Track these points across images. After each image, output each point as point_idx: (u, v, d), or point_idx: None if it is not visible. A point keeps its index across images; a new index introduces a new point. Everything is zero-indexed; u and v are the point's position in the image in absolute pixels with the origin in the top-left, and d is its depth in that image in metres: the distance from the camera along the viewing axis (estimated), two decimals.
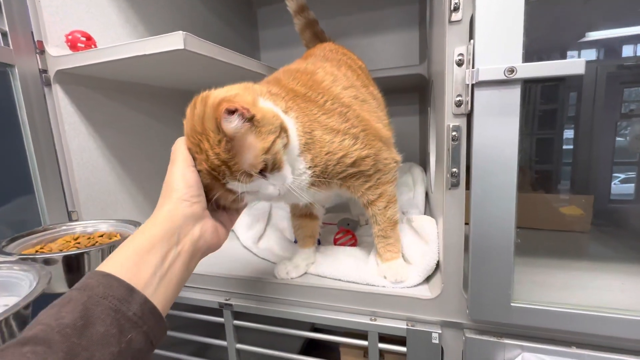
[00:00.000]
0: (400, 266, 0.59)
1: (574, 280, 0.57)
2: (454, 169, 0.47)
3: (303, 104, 0.50)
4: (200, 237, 0.39)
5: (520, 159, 0.43)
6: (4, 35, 0.66)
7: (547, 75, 0.39)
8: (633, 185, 0.85)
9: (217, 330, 0.66)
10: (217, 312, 0.65)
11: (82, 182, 0.77)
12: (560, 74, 0.38)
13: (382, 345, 0.56)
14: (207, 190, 0.42)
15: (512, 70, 0.40)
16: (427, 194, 0.97)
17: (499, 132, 0.43)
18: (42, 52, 0.70)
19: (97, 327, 0.28)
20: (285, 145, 0.44)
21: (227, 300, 0.64)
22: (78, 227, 0.63)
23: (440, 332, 0.52)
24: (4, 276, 0.42)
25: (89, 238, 0.58)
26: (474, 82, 0.42)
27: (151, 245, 0.34)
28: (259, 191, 0.44)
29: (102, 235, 0.60)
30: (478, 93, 0.43)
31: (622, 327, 0.44)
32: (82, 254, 0.50)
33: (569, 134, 0.90)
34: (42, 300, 0.58)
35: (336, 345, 0.67)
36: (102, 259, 0.53)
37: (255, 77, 0.92)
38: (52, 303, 0.28)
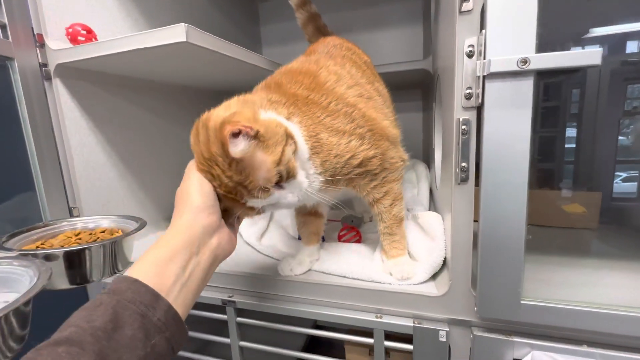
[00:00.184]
0: (407, 263, 0.58)
1: (583, 278, 0.56)
2: (464, 164, 0.46)
3: (306, 108, 0.49)
4: (218, 246, 0.40)
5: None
6: (3, 27, 0.65)
7: (561, 66, 0.38)
8: (636, 184, 0.84)
9: (220, 328, 0.65)
10: (219, 309, 0.64)
11: (83, 178, 0.77)
12: (575, 65, 0.37)
13: (387, 343, 0.55)
14: (227, 211, 0.44)
15: (525, 61, 0.38)
16: (430, 191, 0.96)
17: (510, 125, 0.42)
18: (42, 45, 0.69)
19: (126, 331, 0.29)
20: (295, 152, 0.44)
21: (230, 297, 0.63)
22: (79, 223, 0.62)
23: (447, 330, 0.51)
24: (4, 272, 0.41)
25: (90, 234, 0.57)
26: (485, 74, 0.41)
27: (173, 254, 0.35)
28: (279, 201, 0.43)
29: (103, 231, 0.59)
30: (489, 85, 0.41)
31: (635, 325, 0.43)
32: (83, 249, 0.49)
33: (573, 131, 0.89)
34: (42, 297, 0.58)
35: (339, 341, 0.66)
36: (104, 255, 0.52)
37: (258, 72, 0.91)
38: (82, 306, 0.30)
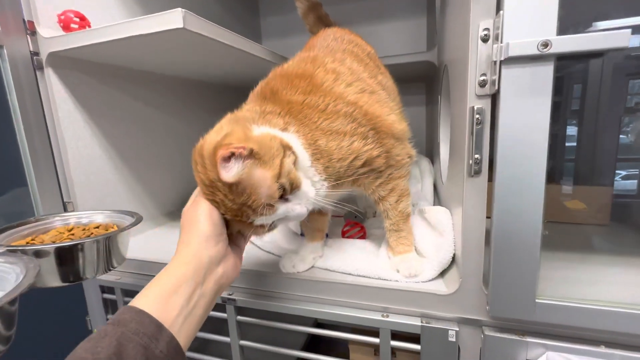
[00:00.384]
0: (414, 259, 0.56)
1: (597, 275, 0.54)
2: (477, 155, 0.43)
3: (301, 115, 0.47)
4: (223, 275, 0.41)
5: None
6: None
7: (586, 49, 0.35)
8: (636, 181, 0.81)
9: (220, 326, 0.63)
10: (219, 307, 0.62)
11: (78, 172, 0.74)
12: (601, 48, 0.34)
13: (394, 343, 0.53)
14: (233, 232, 0.44)
15: (546, 44, 0.36)
16: (435, 186, 0.94)
17: (528, 114, 0.39)
18: (33, 33, 0.66)
19: None
20: (295, 162, 0.42)
21: (230, 295, 0.61)
22: (72, 218, 0.59)
23: (457, 329, 0.49)
24: None
25: (83, 229, 0.55)
26: (502, 59, 0.38)
27: (178, 285, 0.36)
28: (287, 215, 0.42)
29: (98, 227, 0.56)
30: (506, 71, 0.39)
31: None
32: (75, 245, 0.47)
33: (585, 126, 0.86)
34: (31, 295, 0.55)
35: (342, 339, 0.64)
36: (98, 251, 0.50)
37: (258, 64, 0.88)
38: (89, 337, 0.31)
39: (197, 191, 0.44)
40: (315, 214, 0.62)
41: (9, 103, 0.66)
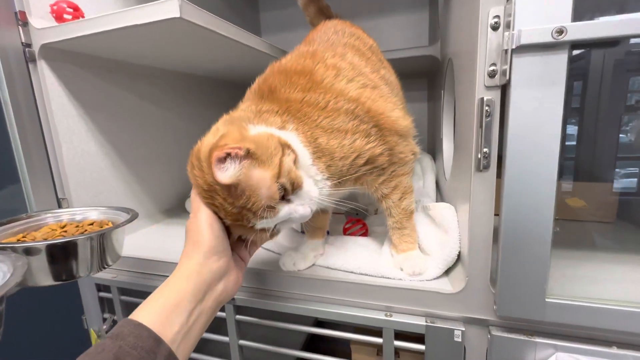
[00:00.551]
0: (418, 257, 0.54)
1: (606, 273, 0.52)
2: (486, 149, 0.41)
3: (300, 113, 0.46)
4: (223, 291, 0.40)
5: None
6: None
7: (604, 36, 0.33)
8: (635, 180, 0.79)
9: (219, 325, 0.62)
10: None
11: (73, 168, 0.72)
12: (620, 35, 0.33)
13: (397, 343, 0.52)
14: (236, 239, 0.44)
15: (561, 31, 0.34)
16: (437, 183, 0.92)
17: (540, 106, 0.38)
18: (25, 24, 0.64)
19: None
20: (295, 160, 0.41)
21: None
22: (65, 215, 0.58)
23: (463, 329, 0.47)
24: None
25: (77, 226, 0.53)
26: (513, 47, 0.36)
27: (179, 300, 0.36)
28: (291, 216, 0.40)
29: (92, 224, 0.55)
30: (517, 60, 0.37)
31: None
32: (68, 242, 0.45)
33: (586, 122, 0.85)
34: (22, 294, 0.54)
35: (342, 338, 0.63)
36: (91, 249, 0.48)
37: (258, 58, 0.86)
38: (86, 351, 0.31)
39: (193, 194, 0.42)
40: (317, 212, 0.60)
41: (0, 96, 0.63)
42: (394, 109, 0.53)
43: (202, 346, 0.70)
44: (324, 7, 0.84)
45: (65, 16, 0.65)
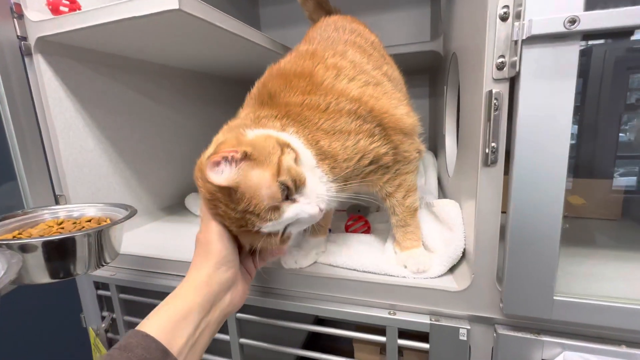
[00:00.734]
0: (422, 254, 0.53)
1: (614, 271, 0.52)
2: (494, 144, 0.40)
3: (300, 117, 0.45)
4: (230, 303, 0.41)
5: None
6: None
7: (619, 25, 0.32)
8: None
9: None
10: None
11: (70, 164, 0.71)
12: (635, 25, 0.32)
13: (401, 342, 0.51)
14: (243, 247, 0.43)
15: (573, 21, 0.33)
16: (438, 180, 0.91)
17: (550, 99, 0.36)
18: (21, 16, 0.63)
19: None
20: (296, 159, 0.40)
21: None
22: (62, 211, 0.56)
23: (469, 327, 0.47)
24: None
25: (74, 223, 0.52)
26: (523, 38, 0.35)
27: (187, 312, 0.36)
28: (299, 217, 0.39)
29: (89, 220, 0.53)
30: (527, 52, 0.36)
31: None
32: (65, 239, 0.44)
33: (586, 118, 0.83)
34: (20, 292, 0.53)
35: (344, 336, 0.62)
36: (89, 246, 0.47)
37: (258, 53, 0.85)
38: None
39: (201, 207, 0.42)
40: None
41: None
42: (398, 105, 0.52)
43: None
44: (322, 2, 0.82)
45: (62, 8, 0.63)
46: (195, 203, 0.96)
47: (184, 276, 0.63)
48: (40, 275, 0.44)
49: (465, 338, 0.47)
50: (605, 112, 0.80)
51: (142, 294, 0.67)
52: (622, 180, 0.76)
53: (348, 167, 0.45)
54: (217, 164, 0.36)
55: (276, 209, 0.37)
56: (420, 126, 0.55)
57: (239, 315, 0.60)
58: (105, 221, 0.54)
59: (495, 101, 0.39)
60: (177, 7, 0.51)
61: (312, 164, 0.43)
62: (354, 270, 0.55)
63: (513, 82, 0.39)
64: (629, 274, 0.50)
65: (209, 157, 0.37)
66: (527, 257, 0.41)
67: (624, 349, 0.41)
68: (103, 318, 0.74)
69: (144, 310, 0.69)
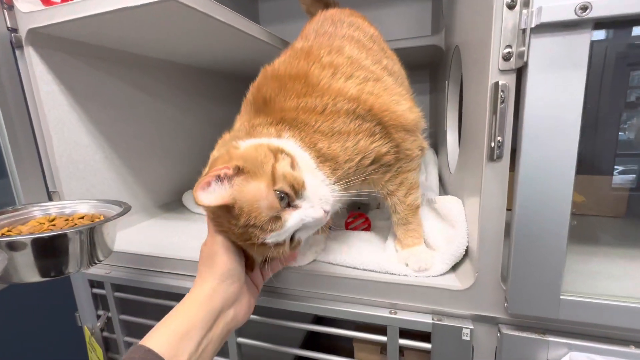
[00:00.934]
0: (424, 252, 0.52)
1: (620, 270, 0.50)
2: (499, 138, 0.39)
3: (296, 121, 0.44)
4: (234, 318, 0.40)
5: None
6: None
7: (633, 12, 0.31)
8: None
9: None
10: None
11: (64, 160, 0.69)
12: None
13: (402, 341, 0.50)
14: (251, 260, 0.43)
15: (585, 7, 0.31)
16: (439, 177, 0.90)
17: (559, 90, 0.35)
18: (11, 7, 0.61)
19: None
20: (293, 164, 0.39)
21: None
22: (53, 208, 0.55)
23: (472, 327, 0.45)
24: None
25: (66, 220, 0.50)
26: (532, 26, 0.34)
27: (190, 328, 0.35)
28: (304, 223, 0.38)
29: (82, 217, 0.52)
30: (535, 41, 0.35)
31: None
32: (55, 236, 0.42)
33: (587, 114, 0.82)
34: (11, 291, 0.51)
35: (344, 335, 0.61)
36: (81, 243, 0.46)
37: (257, 47, 0.83)
38: None
39: (207, 219, 0.42)
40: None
41: None
42: (399, 101, 0.50)
43: None
44: None
45: None
46: (193, 200, 0.94)
47: (180, 274, 0.63)
48: (30, 274, 0.42)
49: (468, 338, 0.46)
50: (606, 108, 0.79)
51: (138, 293, 0.65)
52: (627, 178, 0.74)
53: (350, 168, 0.44)
54: (208, 184, 0.36)
55: (277, 218, 0.37)
56: (423, 121, 0.54)
57: None
58: (99, 218, 0.53)
59: (501, 93, 0.38)
60: None
61: (311, 166, 0.42)
62: (354, 268, 0.53)
63: (520, 74, 0.38)
64: (636, 273, 0.49)
65: (199, 180, 0.36)
66: (533, 255, 0.40)
67: (632, 350, 0.40)
68: (98, 317, 0.72)
69: (139, 309, 0.68)
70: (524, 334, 0.43)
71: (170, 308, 0.60)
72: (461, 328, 0.46)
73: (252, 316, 0.57)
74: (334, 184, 0.43)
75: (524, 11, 0.35)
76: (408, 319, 0.48)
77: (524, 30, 0.35)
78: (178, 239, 0.74)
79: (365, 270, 0.53)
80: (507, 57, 0.37)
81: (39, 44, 0.64)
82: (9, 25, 0.61)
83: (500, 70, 0.38)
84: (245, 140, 0.42)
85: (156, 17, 0.59)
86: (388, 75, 0.54)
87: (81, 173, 0.73)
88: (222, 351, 0.61)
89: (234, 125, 0.50)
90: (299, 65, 0.48)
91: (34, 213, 0.53)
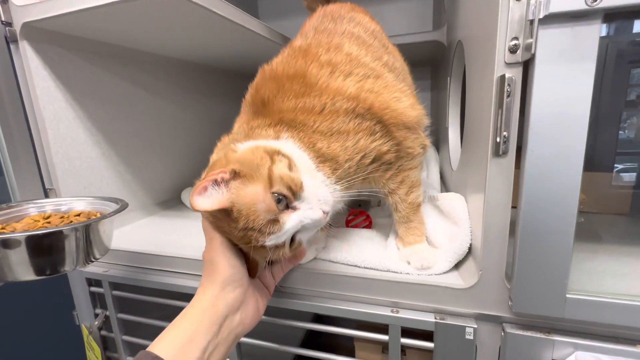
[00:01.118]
0: (426, 250, 0.51)
1: (626, 268, 0.49)
2: (505, 133, 0.38)
3: (294, 122, 0.44)
4: (240, 323, 0.40)
5: None
6: None
7: None
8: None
9: None
10: None
11: (60, 156, 0.68)
12: None
13: (404, 340, 0.49)
14: (258, 263, 0.42)
15: None
16: (441, 174, 0.89)
17: (567, 84, 0.34)
18: (5, 0, 0.60)
19: None
20: (290, 165, 0.39)
21: None
22: (49, 205, 0.54)
23: (475, 326, 0.45)
24: None
25: (62, 217, 0.49)
26: (540, 17, 0.33)
27: (195, 334, 0.35)
28: (303, 224, 0.38)
29: (78, 215, 0.51)
30: (543, 32, 0.33)
31: None
32: (50, 234, 0.42)
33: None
34: (8, 289, 0.50)
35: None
36: (77, 241, 0.45)
37: (256, 42, 0.81)
38: None
39: (204, 224, 0.42)
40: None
41: None
42: (400, 98, 0.49)
43: None
44: None
45: None
46: None
47: (179, 272, 0.62)
48: (24, 272, 0.42)
49: (471, 337, 0.45)
50: (607, 105, 0.78)
51: (136, 291, 0.65)
52: (632, 175, 0.73)
53: (350, 167, 0.44)
54: (205, 189, 0.36)
55: (276, 221, 0.36)
56: (426, 118, 0.53)
57: None
58: (95, 215, 0.52)
59: (507, 87, 0.37)
60: None
61: (310, 167, 0.42)
62: (355, 266, 0.53)
63: (526, 68, 0.37)
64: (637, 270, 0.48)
65: (196, 185, 0.36)
66: (538, 253, 0.39)
67: (639, 349, 0.39)
68: (96, 315, 0.72)
69: (137, 308, 0.67)
70: (529, 333, 0.43)
71: (168, 306, 0.60)
72: (464, 327, 0.45)
73: None
74: (335, 183, 0.43)
75: (532, 1, 0.34)
76: (410, 318, 0.48)
77: (531, 22, 0.34)
78: (176, 236, 0.73)
79: (366, 268, 0.52)
80: (513, 50, 0.36)
81: (34, 38, 0.63)
82: (3, 19, 0.60)
83: (506, 63, 0.37)
84: (244, 143, 0.42)
85: (154, 11, 0.58)
86: (389, 72, 0.53)
87: (78, 170, 0.72)
88: None
89: (233, 128, 0.49)
90: (297, 64, 0.47)
91: (29, 210, 0.52)
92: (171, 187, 1.00)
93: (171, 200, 0.99)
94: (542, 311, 0.41)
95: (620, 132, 0.79)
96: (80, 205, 0.55)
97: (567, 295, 0.39)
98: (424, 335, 0.48)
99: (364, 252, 0.54)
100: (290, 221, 0.37)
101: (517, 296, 0.41)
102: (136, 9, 0.56)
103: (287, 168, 0.38)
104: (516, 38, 0.36)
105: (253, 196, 0.36)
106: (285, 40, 0.87)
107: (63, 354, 0.96)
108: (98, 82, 0.76)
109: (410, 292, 0.49)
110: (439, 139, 1.06)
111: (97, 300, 0.72)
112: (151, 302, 0.63)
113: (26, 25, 0.60)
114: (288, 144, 0.42)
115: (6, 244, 0.39)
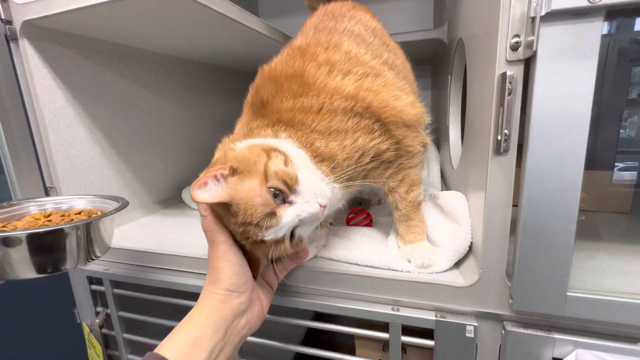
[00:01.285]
0: (427, 248, 0.51)
1: (627, 266, 0.49)
2: (506, 131, 0.38)
3: (292, 122, 0.44)
4: (246, 325, 0.40)
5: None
6: None
7: None
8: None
9: None
10: None
11: (61, 155, 0.68)
12: None
13: (405, 338, 0.49)
14: (256, 260, 0.43)
15: None
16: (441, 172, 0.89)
17: (569, 82, 0.34)
18: None
19: None
20: (286, 162, 0.39)
21: None
22: (49, 204, 0.54)
23: (476, 324, 0.45)
24: None
25: (62, 215, 0.49)
26: (542, 14, 0.33)
27: (201, 337, 0.36)
28: (301, 219, 0.38)
29: (79, 213, 0.51)
30: (545, 30, 0.33)
31: None
32: (51, 232, 0.42)
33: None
34: (9, 287, 0.50)
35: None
36: (77, 239, 0.45)
37: (257, 40, 0.81)
38: None
39: (207, 225, 0.41)
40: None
41: None
42: (400, 96, 0.49)
43: None
44: None
45: None
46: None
47: (180, 271, 0.62)
48: (25, 270, 0.42)
49: (472, 335, 0.45)
50: (608, 103, 0.78)
51: (137, 289, 0.65)
52: (632, 174, 0.73)
53: (349, 165, 0.44)
54: (205, 183, 0.37)
55: (273, 215, 0.37)
56: (427, 115, 0.53)
57: None
58: (96, 214, 0.52)
59: (509, 85, 0.37)
60: None
61: (307, 163, 0.42)
62: (356, 264, 0.53)
63: (527, 65, 0.36)
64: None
65: (196, 180, 0.37)
66: (539, 251, 0.39)
67: (639, 347, 0.39)
68: (97, 313, 0.72)
69: (139, 306, 0.67)
70: (529, 331, 0.43)
71: (169, 305, 0.60)
72: (465, 325, 0.45)
73: None
74: (334, 181, 0.43)
75: None
76: (411, 316, 0.48)
77: (533, 19, 0.34)
78: (177, 235, 0.73)
79: (366, 266, 0.52)
80: (514, 47, 0.36)
81: (34, 36, 0.63)
82: (3, 17, 0.60)
83: (507, 60, 0.37)
84: (242, 142, 0.43)
85: (154, 9, 0.58)
86: (389, 70, 0.53)
87: (78, 169, 0.72)
88: None
89: (235, 129, 0.50)
90: (295, 64, 0.47)
91: (30, 208, 0.52)
92: (172, 186, 1.00)
93: (172, 199, 0.99)
94: (543, 309, 0.41)
95: (621, 130, 0.79)
96: (81, 203, 0.55)
97: (568, 294, 0.39)
98: (424, 333, 0.48)
99: (364, 251, 0.54)
100: (287, 215, 0.37)
101: (518, 294, 0.41)
102: (136, 6, 0.56)
103: (283, 163, 0.39)
104: (517, 35, 0.36)
105: (250, 191, 0.37)
106: (286, 38, 0.87)
107: (64, 352, 0.96)
108: (99, 81, 0.76)
109: (411, 290, 0.49)
110: (439, 137, 1.05)
111: (98, 298, 0.72)
112: (152, 300, 0.63)
113: (26, 23, 0.60)
114: (286, 143, 0.43)
115: (7, 242, 0.39)
